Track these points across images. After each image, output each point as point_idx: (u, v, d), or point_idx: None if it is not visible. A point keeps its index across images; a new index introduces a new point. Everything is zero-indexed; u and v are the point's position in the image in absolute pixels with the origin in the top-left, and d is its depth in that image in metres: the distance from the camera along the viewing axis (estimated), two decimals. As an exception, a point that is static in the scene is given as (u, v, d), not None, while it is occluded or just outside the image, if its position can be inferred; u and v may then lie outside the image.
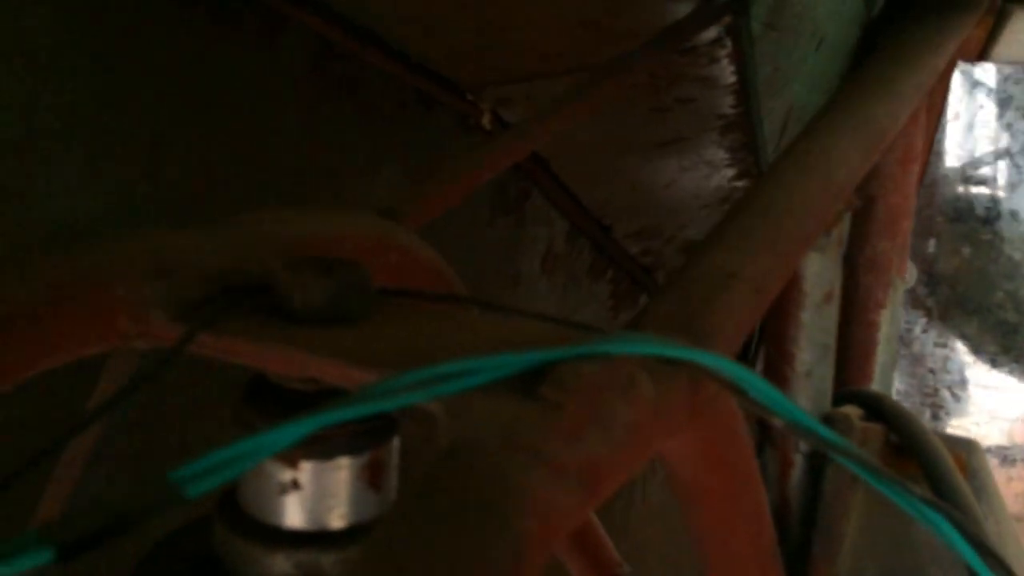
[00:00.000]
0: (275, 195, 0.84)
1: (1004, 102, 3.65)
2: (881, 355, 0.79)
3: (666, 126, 1.17)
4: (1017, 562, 0.65)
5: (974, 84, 3.64)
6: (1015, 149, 3.66)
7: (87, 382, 0.41)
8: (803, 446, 0.66)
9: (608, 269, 1.48)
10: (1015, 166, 3.66)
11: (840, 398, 0.72)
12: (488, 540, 0.21)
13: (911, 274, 0.89)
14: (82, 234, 0.67)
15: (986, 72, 3.60)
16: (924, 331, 3.62)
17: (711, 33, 0.93)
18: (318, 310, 0.31)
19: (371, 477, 0.32)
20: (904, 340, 3.47)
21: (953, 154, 3.67)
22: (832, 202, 0.49)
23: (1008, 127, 3.66)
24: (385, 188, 0.96)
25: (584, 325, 0.32)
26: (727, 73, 1.03)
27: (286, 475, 0.31)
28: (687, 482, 0.39)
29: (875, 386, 0.80)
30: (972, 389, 3.61)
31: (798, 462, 0.66)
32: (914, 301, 3.49)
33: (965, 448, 0.66)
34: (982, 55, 1.03)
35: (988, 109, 3.69)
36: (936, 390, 3.63)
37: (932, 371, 3.63)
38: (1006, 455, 3.49)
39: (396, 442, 0.34)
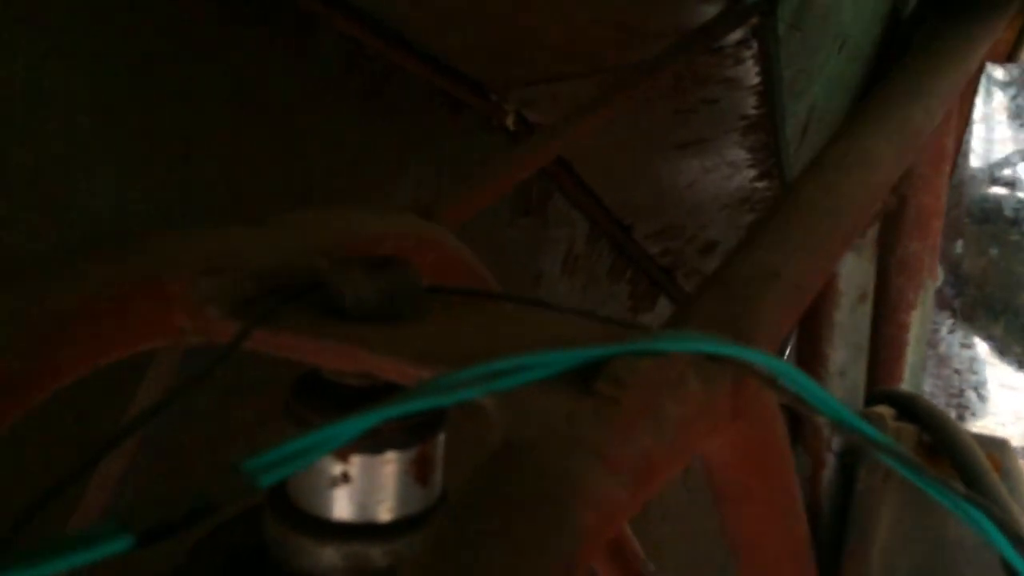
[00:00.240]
0: (305, 193, 0.85)
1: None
2: (911, 355, 0.79)
3: (689, 127, 1.17)
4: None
5: (1002, 85, 3.61)
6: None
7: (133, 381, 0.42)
8: (835, 445, 0.66)
9: (628, 269, 1.48)
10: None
11: (872, 398, 0.72)
12: (549, 531, 0.22)
13: (938, 275, 0.89)
14: (120, 233, 0.69)
15: (1009, 72, 3.57)
16: (950, 332, 3.60)
17: (737, 34, 0.93)
18: (370, 307, 0.31)
19: (418, 471, 0.33)
20: (930, 341, 3.44)
21: (978, 154, 3.64)
22: (870, 202, 0.49)
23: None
24: (412, 187, 0.97)
25: (627, 323, 0.32)
26: (752, 74, 1.03)
27: (337, 468, 0.32)
28: (725, 480, 0.39)
29: (905, 386, 0.79)
30: (997, 390, 3.58)
31: (830, 461, 0.66)
32: (940, 302, 3.47)
33: (999, 448, 0.66)
34: (1011, 56, 1.03)
35: (1012, 110, 3.66)
36: (962, 391, 3.60)
37: (958, 372, 3.60)
38: (1032, 456, 3.45)
39: (442, 437, 0.34)
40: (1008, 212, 3.59)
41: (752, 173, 1.35)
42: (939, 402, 3.50)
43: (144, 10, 0.69)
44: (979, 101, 3.56)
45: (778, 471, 0.41)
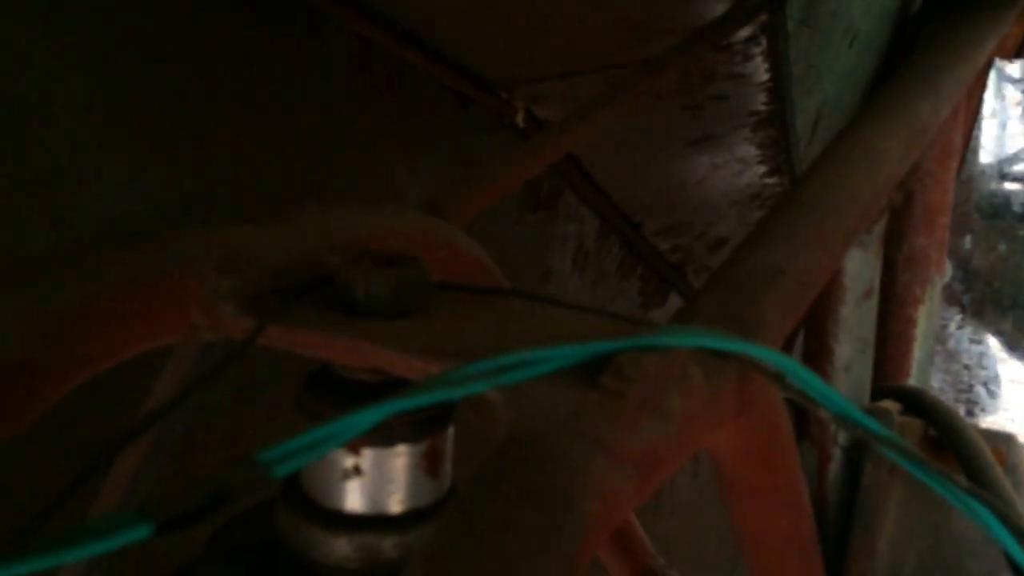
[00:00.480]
0: (315, 191, 0.85)
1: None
2: (918, 351, 0.79)
3: (698, 123, 1.17)
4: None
5: (1013, 81, 3.59)
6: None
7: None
8: (841, 440, 0.66)
9: (637, 266, 1.49)
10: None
11: (878, 393, 0.72)
12: (555, 521, 0.22)
13: (947, 270, 0.89)
14: (131, 230, 0.69)
15: (1022, 68, 3.55)
16: (959, 327, 3.58)
17: (746, 31, 0.93)
18: (380, 303, 0.32)
19: (428, 464, 0.34)
20: (939, 336, 3.43)
21: (988, 150, 3.62)
22: (877, 198, 0.49)
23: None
24: (423, 183, 0.97)
25: (636, 319, 0.33)
26: (761, 70, 1.03)
27: (349, 461, 0.32)
28: (731, 474, 0.39)
29: (912, 382, 0.79)
30: (1008, 385, 3.57)
31: (836, 456, 0.67)
32: (949, 297, 3.46)
33: (1005, 443, 0.66)
34: (1019, 52, 1.02)
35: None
36: (971, 386, 3.59)
37: (967, 367, 3.59)
38: (1041, 452, 3.43)
39: (452, 431, 0.35)
40: (1017, 207, 3.57)
41: (762, 169, 1.35)
42: (948, 398, 3.49)
43: (158, 10, 0.69)
44: (991, 97, 3.55)
45: (784, 466, 0.41)
